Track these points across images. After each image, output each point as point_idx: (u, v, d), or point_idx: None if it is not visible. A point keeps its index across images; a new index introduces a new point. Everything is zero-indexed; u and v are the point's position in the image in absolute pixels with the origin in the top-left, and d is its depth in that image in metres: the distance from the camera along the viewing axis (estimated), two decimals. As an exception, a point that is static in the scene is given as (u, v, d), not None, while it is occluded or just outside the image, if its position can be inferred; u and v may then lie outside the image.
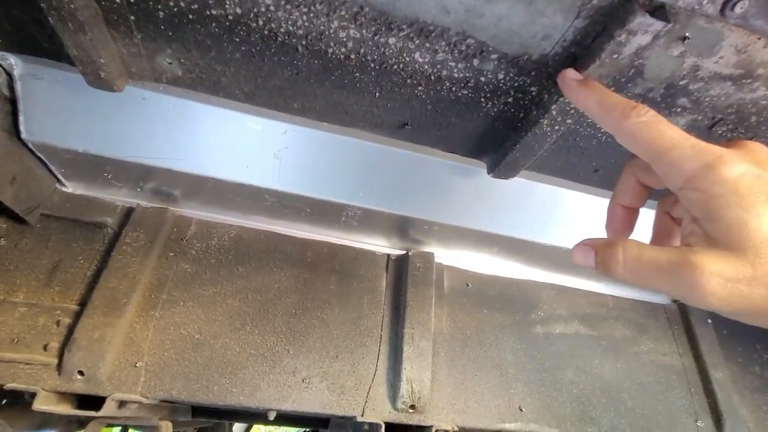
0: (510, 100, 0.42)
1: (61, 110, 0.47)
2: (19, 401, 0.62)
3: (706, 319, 0.75)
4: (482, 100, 0.42)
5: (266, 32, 0.37)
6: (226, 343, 0.54)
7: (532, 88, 0.40)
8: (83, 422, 0.93)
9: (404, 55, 0.38)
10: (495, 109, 0.43)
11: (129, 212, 0.57)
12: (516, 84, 0.40)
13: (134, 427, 0.84)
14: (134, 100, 0.47)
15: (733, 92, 0.39)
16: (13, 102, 0.46)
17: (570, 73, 0.34)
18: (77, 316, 0.49)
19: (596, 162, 0.50)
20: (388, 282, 0.64)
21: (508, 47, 0.36)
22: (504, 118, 0.44)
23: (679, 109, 0.41)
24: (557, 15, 0.33)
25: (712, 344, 0.73)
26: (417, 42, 0.36)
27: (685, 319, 0.76)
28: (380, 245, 0.66)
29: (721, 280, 0.22)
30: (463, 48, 0.37)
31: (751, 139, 0.44)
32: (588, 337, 0.70)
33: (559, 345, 0.67)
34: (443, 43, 0.36)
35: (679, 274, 0.23)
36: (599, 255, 0.28)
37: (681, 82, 0.38)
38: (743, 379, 0.74)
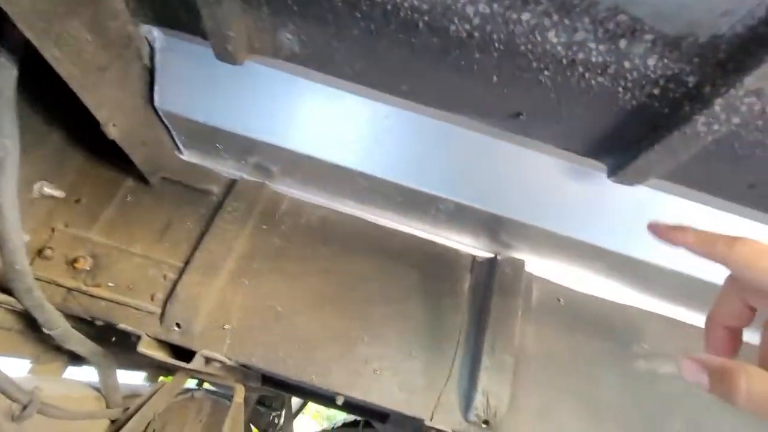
0: (656, 91, 0.36)
1: (189, 82, 0.51)
2: (125, 342, 0.70)
3: None
4: (620, 90, 0.37)
5: (389, 7, 0.35)
6: (305, 320, 0.54)
7: (690, 78, 0.34)
8: (170, 370, 1.03)
9: (536, 34, 0.34)
10: (634, 103, 0.37)
11: (232, 184, 0.60)
12: (669, 72, 0.34)
13: (212, 383, 0.91)
14: (251, 75, 0.50)
15: None
16: (151, 72, 0.51)
17: (656, 224, 0.34)
18: (180, 272, 0.54)
19: (755, 175, 0.41)
20: (472, 285, 0.60)
21: (670, 26, 0.31)
22: (643, 114, 0.38)
23: None
24: (751, -17, 0.27)
25: None
26: (555, 18, 0.32)
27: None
28: (466, 244, 0.62)
29: None
30: (611, 26, 0.32)
31: None
32: (703, 385, 0.58)
33: (666, 388, 0.57)
34: (587, 20, 0.32)
35: None
36: (714, 379, 0.26)
37: None
38: None
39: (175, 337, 0.51)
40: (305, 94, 0.50)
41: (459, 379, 0.54)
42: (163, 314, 0.51)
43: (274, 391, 1.12)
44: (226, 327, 0.52)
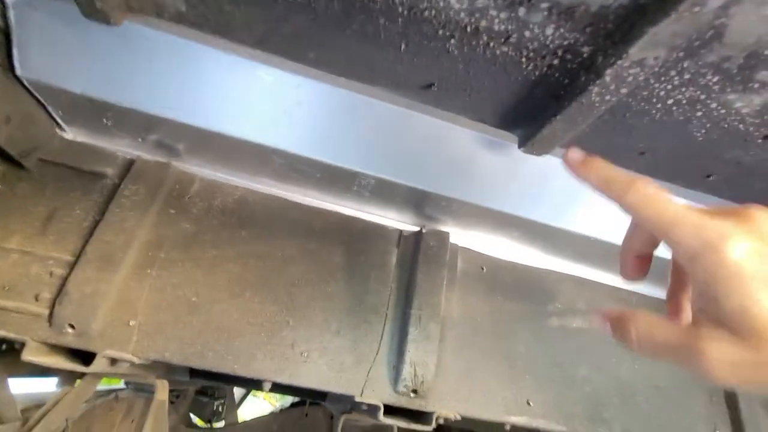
0: (556, 62, 0.36)
1: (59, 46, 0.44)
2: (16, 348, 0.62)
3: (736, 326, 0.70)
4: (523, 60, 0.37)
5: (280, -39, 0.32)
6: (225, 309, 0.51)
7: (584, 49, 0.35)
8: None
9: (439, -2, 0.33)
10: (536, 73, 0.38)
11: (130, 164, 0.54)
12: (566, 42, 0.34)
13: (132, 383, 0.85)
14: (136, 40, 0.43)
15: (828, 67, 0.32)
16: (6, 34, 0.42)
17: (573, 153, 0.36)
18: (71, 267, 0.47)
19: (644, 143, 0.44)
20: (399, 259, 0.60)
21: (564, -6, 0.31)
22: (545, 84, 0.39)
23: (756, 85, 0.35)
24: (631, -48, 0.27)
25: (740, 353, 0.68)
26: (455, -19, 0.31)
27: (712, 325, 0.71)
28: (392, 219, 0.62)
29: (726, 366, 0.23)
30: (509, -8, 0.31)
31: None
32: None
33: (575, 340, 0.63)
34: (486, -15, 0.31)
35: (688, 357, 0.24)
36: (614, 327, 0.30)
37: (767, 52, 0.32)
38: (768, 392, 0.69)
39: (70, 340, 0.46)
40: (205, 63, 0.45)
41: (388, 353, 0.55)
42: (51, 316, 0.45)
43: (211, 382, 1.08)
44: (132, 323, 0.48)
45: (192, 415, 1.76)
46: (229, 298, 0.52)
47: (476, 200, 0.56)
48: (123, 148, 0.55)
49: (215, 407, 1.69)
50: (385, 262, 0.60)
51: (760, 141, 0.41)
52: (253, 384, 0.75)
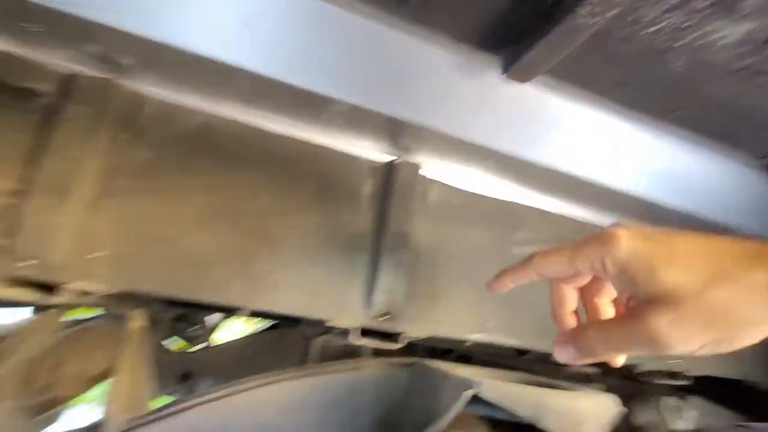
0: (546, -25, 0.33)
1: None
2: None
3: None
4: (512, -29, 0.34)
5: None
6: (194, 241, 0.50)
7: (578, -39, 0.32)
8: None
9: None
10: (525, -12, 0.35)
11: (69, 80, 0.47)
12: (560, -48, 0.31)
13: (106, 314, 0.84)
14: None
15: (813, -5, 0.32)
16: None
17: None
18: (16, 197, 0.43)
19: (622, 73, 0.44)
20: (372, 190, 0.60)
21: None
22: (532, 2, 0.36)
23: (745, 12, 0.34)
24: None
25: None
26: None
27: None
28: (367, 149, 0.60)
29: (666, 325, 0.26)
30: None
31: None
32: (563, 261, 0.70)
33: (535, 266, 0.68)
34: None
35: (641, 333, 0.27)
36: (575, 345, 0.32)
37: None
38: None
39: (30, 272, 0.44)
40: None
41: (363, 280, 0.57)
42: (9, 247, 0.43)
43: (187, 310, 1.10)
44: (96, 255, 0.46)
45: (165, 342, 1.82)
46: (198, 230, 0.50)
47: (452, 130, 0.55)
48: (58, 60, 0.48)
49: (193, 331, 1.75)
50: (359, 193, 0.59)
51: (736, 72, 0.42)
52: (229, 311, 0.77)
